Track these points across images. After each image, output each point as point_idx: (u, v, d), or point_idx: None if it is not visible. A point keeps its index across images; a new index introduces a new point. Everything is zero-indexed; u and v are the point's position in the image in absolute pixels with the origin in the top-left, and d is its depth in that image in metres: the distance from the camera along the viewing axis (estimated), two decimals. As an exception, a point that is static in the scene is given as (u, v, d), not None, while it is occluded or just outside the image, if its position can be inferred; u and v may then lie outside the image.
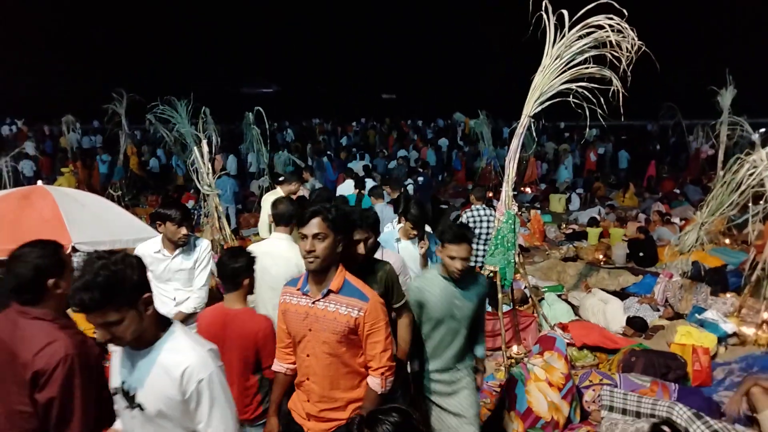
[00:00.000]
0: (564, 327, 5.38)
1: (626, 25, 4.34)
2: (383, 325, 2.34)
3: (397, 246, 4.13)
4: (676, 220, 9.81)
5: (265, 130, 9.44)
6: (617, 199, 13.16)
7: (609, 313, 5.79)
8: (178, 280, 3.53)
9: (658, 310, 5.96)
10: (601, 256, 8.42)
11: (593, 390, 4.13)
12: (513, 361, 4.71)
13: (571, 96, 4.53)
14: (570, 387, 3.91)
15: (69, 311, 2.15)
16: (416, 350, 3.01)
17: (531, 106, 4.71)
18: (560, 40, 4.53)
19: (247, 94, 38.67)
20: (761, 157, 5.21)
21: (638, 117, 19.55)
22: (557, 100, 4.63)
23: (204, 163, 6.17)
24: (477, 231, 5.75)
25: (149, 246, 3.55)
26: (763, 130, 14.30)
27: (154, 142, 17.11)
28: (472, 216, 5.85)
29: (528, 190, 13.93)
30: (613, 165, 16.76)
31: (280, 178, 7.09)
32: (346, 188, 8.52)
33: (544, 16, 4.47)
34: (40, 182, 4.83)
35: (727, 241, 8.13)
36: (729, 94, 9.63)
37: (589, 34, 4.45)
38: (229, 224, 7.29)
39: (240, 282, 2.77)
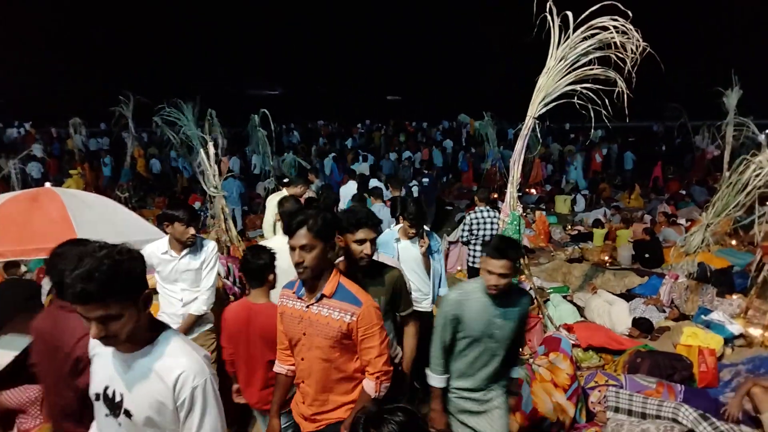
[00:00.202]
0: (569, 328, 5.36)
1: (631, 27, 4.35)
2: (377, 330, 2.31)
3: (397, 246, 4.08)
4: (682, 221, 9.75)
5: (270, 133, 9.47)
6: (623, 200, 13.11)
7: (614, 315, 5.78)
8: (185, 280, 3.56)
9: (664, 312, 5.93)
10: (606, 258, 8.41)
11: (599, 391, 4.13)
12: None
13: (575, 97, 4.54)
14: (575, 388, 3.91)
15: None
16: (435, 363, 2.78)
17: (536, 107, 4.73)
18: (565, 42, 4.55)
19: (251, 96, 38.77)
20: (767, 158, 5.20)
21: (643, 118, 19.54)
22: (562, 101, 4.64)
23: (210, 165, 6.22)
24: (480, 233, 5.77)
25: (156, 247, 3.57)
26: (769, 131, 14.21)
27: (160, 144, 17.23)
28: (476, 218, 5.85)
29: (533, 191, 13.92)
30: (618, 166, 16.71)
31: (285, 180, 7.13)
32: (349, 189, 8.57)
33: (549, 17, 4.49)
34: (48, 184, 4.86)
35: (734, 242, 8.09)
36: (735, 94, 9.57)
37: (593, 35, 4.46)
38: (235, 226, 7.32)
39: (265, 277, 2.92)
